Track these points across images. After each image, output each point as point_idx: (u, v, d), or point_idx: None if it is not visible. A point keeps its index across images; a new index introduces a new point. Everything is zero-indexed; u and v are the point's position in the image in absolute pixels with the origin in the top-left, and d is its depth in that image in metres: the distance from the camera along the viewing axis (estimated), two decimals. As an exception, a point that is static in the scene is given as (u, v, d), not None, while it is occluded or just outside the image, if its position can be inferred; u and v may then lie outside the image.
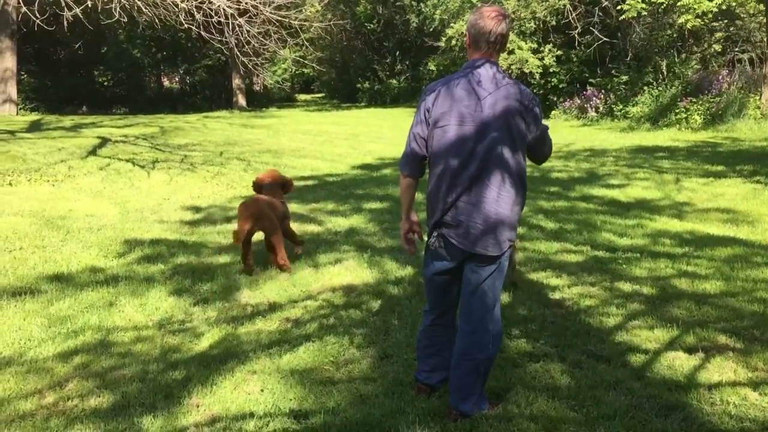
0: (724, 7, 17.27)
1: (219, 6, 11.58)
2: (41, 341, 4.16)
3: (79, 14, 10.81)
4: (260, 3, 12.88)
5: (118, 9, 10.94)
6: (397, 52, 36.87)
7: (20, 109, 24.72)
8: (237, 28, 12.70)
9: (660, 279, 5.23)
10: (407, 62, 36.42)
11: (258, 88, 37.95)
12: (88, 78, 30.33)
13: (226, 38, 13.33)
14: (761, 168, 10.36)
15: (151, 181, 10.22)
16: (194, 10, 11.88)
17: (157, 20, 13.32)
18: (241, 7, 12.37)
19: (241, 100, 30.98)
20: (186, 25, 12.44)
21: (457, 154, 3.04)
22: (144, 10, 11.92)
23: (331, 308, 4.73)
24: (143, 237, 6.71)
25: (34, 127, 18.76)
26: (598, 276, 5.33)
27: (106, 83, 31.12)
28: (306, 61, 26.77)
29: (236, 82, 31.12)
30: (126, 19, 12.31)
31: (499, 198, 3.03)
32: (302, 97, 45.55)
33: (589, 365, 3.75)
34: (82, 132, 17.42)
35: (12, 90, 23.56)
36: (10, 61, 23.32)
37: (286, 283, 5.26)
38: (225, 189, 9.62)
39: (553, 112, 21.71)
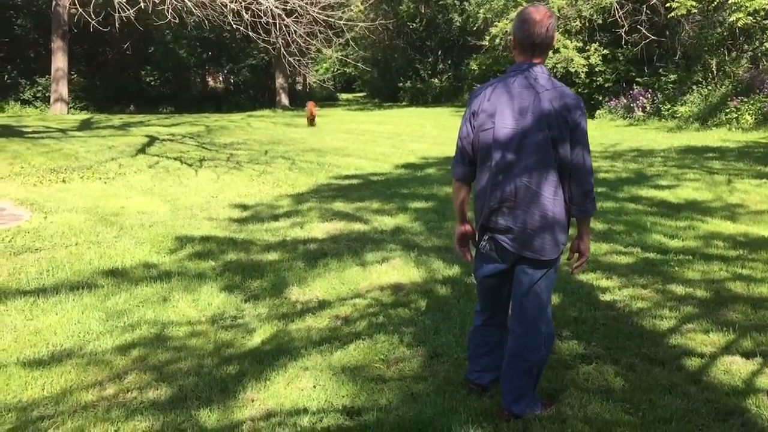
0: (777, 4, 16.81)
1: (267, 6, 11.69)
2: (99, 334, 4.28)
3: (132, 16, 11.05)
4: (307, 3, 12.98)
5: (170, 10, 11.14)
6: (439, 51, 36.83)
7: (70, 108, 25.38)
8: (284, 29, 12.83)
9: (714, 282, 5.12)
10: (449, 61, 36.36)
11: (300, 88, 38.28)
12: (135, 78, 31.00)
13: (273, 38, 13.46)
14: (817, 169, 10.07)
15: (198, 179, 10.40)
16: (243, 10, 12.04)
17: (206, 21, 13.54)
18: (288, 7, 12.48)
19: (284, 100, 31.32)
20: (234, 26, 12.60)
21: (510, 147, 2.98)
22: (194, 11, 12.11)
23: (379, 306, 4.76)
24: (193, 234, 6.84)
25: (85, 125, 19.25)
26: (650, 278, 5.25)
27: (153, 83, 31.73)
28: (349, 60, 26.90)
29: (279, 81, 31.47)
30: (177, 20, 12.53)
31: (555, 198, 3.00)
32: (344, 96, 45.80)
33: (643, 368, 3.70)
34: (131, 131, 17.82)
35: (63, 89, 24.22)
36: (61, 61, 23.97)
37: (335, 281, 5.31)
38: (271, 187, 9.73)
39: (598, 112, 21.42)
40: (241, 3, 11.86)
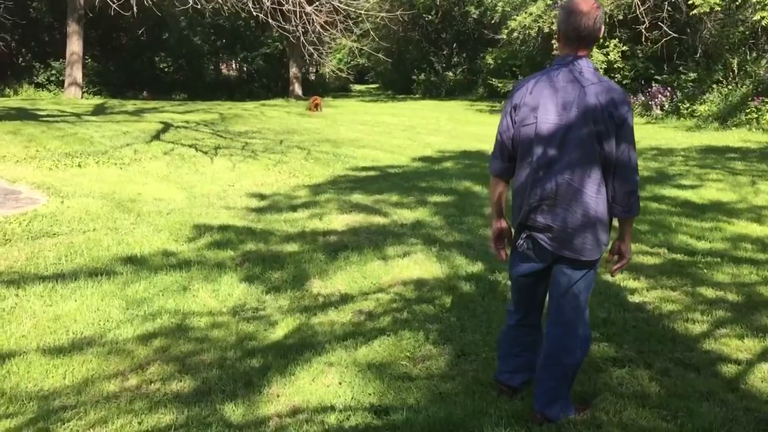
0: (801, 4, 16.53)
1: (289, -7, 11.58)
2: (120, 323, 4.20)
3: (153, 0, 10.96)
4: (328, -9, 12.84)
5: (194, -5, 11.03)
6: (455, 44, 36.52)
7: (84, 92, 25.32)
8: (304, 17, 12.69)
9: (744, 285, 5.00)
10: (464, 54, 36.04)
11: (313, 78, 38.12)
12: (149, 63, 30.86)
13: (292, 26, 13.31)
14: (842, 173, 9.89)
15: (214, 167, 10.32)
16: (264, -3, 11.92)
17: (224, 7, 13.41)
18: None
19: (298, 89, 31.16)
20: (254, 13, 12.46)
21: (553, 143, 2.88)
22: (215, -5, 12.02)
23: (403, 302, 4.67)
24: (211, 223, 6.76)
25: (99, 110, 19.20)
26: (678, 280, 5.13)
27: (166, 69, 31.61)
28: (366, 49, 26.70)
29: (293, 71, 31.31)
30: (199, 5, 12.40)
31: (598, 196, 2.90)
32: (357, 87, 45.57)
33: (678, 373, 3.60)
34: (145, 117, 17.74)
35: (78, 73, 24.14)
36: (76, 45, 23.88)
37: (357, 274, 5.22)
38: (287, 177, 9.64)
39: (614, 109, 21.18)
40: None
